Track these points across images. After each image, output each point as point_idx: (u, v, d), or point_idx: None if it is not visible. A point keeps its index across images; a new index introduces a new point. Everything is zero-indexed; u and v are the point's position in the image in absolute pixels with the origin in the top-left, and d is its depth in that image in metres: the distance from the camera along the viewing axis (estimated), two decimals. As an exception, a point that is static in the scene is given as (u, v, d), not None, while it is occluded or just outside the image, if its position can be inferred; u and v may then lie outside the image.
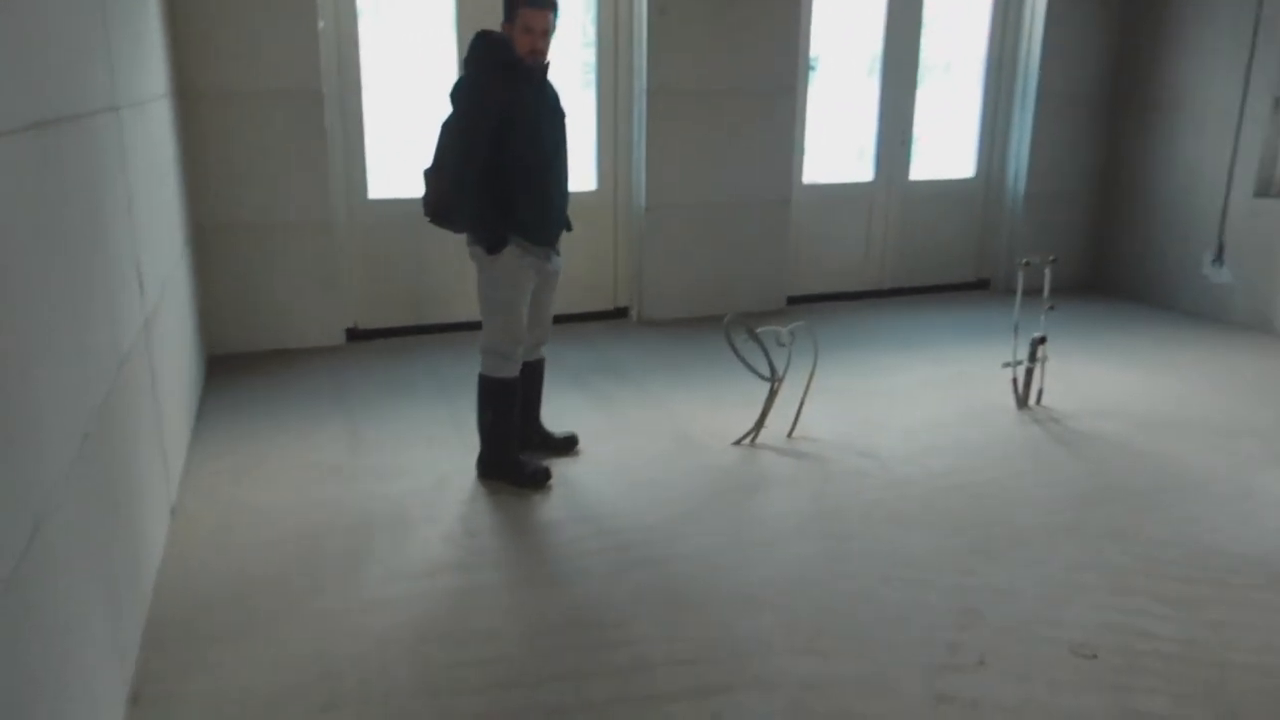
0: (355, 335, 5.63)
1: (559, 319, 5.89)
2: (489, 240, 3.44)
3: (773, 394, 4.13)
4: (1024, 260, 4.53)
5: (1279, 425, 4.40)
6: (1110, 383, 4.98)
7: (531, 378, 3.86)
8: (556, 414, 4.26)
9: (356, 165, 5.47)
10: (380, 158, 5.54)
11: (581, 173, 5.89)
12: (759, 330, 4.13)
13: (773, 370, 4.12)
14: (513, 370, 3.63)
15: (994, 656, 2.68)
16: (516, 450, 3.77)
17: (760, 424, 4.14)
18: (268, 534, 3.33)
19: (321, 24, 5.09)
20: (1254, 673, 2.62)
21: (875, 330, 5.98)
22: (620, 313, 6.19)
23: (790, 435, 4.21)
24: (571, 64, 5.83)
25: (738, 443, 4.13)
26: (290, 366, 5.11)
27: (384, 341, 5.63)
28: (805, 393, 4.27)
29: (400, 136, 5.53)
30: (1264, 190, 5.96)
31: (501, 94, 3.34)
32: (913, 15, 6.46)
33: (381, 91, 5.47)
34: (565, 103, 3.65)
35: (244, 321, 5.26)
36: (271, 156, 5.11)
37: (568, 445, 4.04)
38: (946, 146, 6.91)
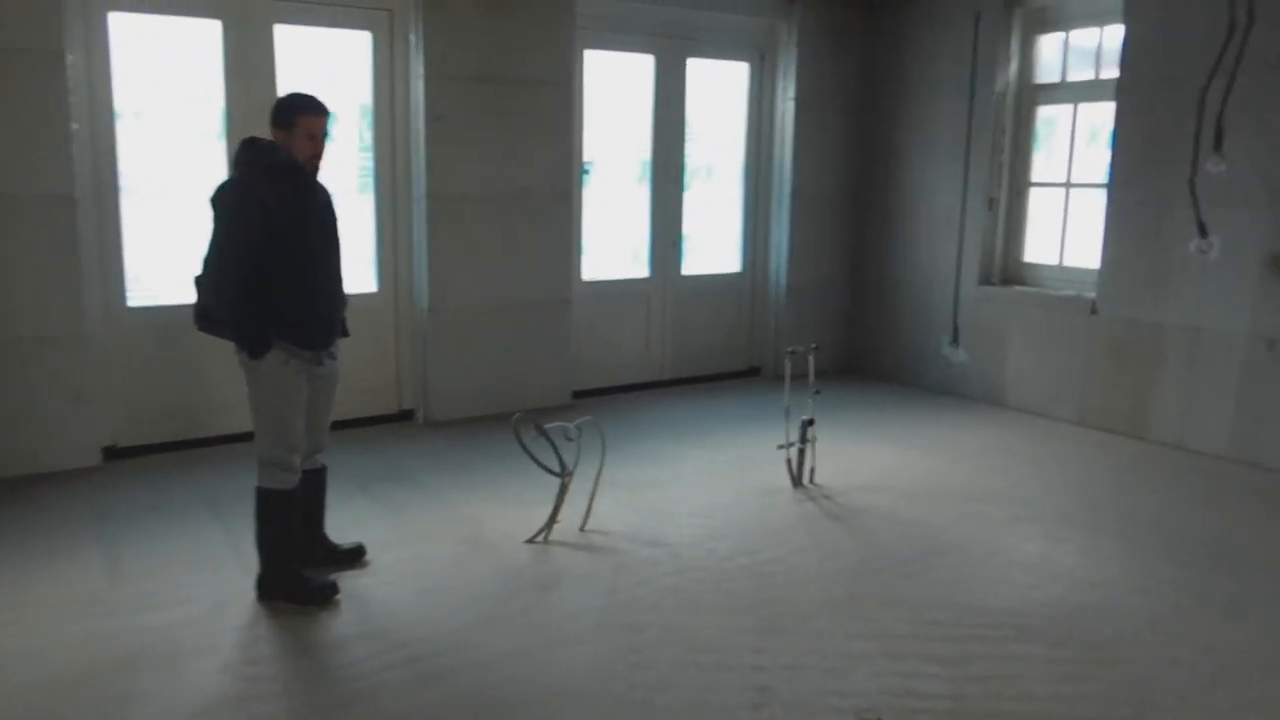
0: (114, 454, 5.21)
1: (341, 424, 5.76)
2: (251, 344, 3.35)
3: (563, 489, 4.18)
4: (790, 349, 4.88)
5: (1015, 488, 4.91)
6: (873, 458, 5.39)
7: (312, 487, 3.73)
8: (341, 525, 4.10)
9: (114, 272, 5.14)
10: (142, 264, 5.24)
11: (361, 275, 5.82)
12: (547, 426, 4.19)
13: (562, 465, 4.18)
14: (291, 481, 3.51)
15: (787, 731, 2.79)
16: (300, 565, 3.60)
17: (552, 520, 4.17)
18: (20, 681, 2.98)
19: (75, 126, 4.81)
20: (1017, 719, 2.87)
21: (658, 421, 6.18)
22: (406, 415, 6.08)
23: (583, 529, 4.26)
24: (348, 167, 5.80)
25: (531, 541, 4.12)
26: (39, 493, 4.64)
27: (148, 459, 5.23)
28: (595, 486, 4.34)
29: (164, 242, 5.27)
30: (986, 278, 6.73)
31: (269, 198, 3.32)
32: (677, 124, 6.90)
33: (143, 196, 5.21)
34: (337, 205, 3.64)
35: (-21, 446, 4.75)
36: (16, 265, 4.72)
37: (354, 557, 3.89)
38: (715, 244, 7.36)
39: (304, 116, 3.37)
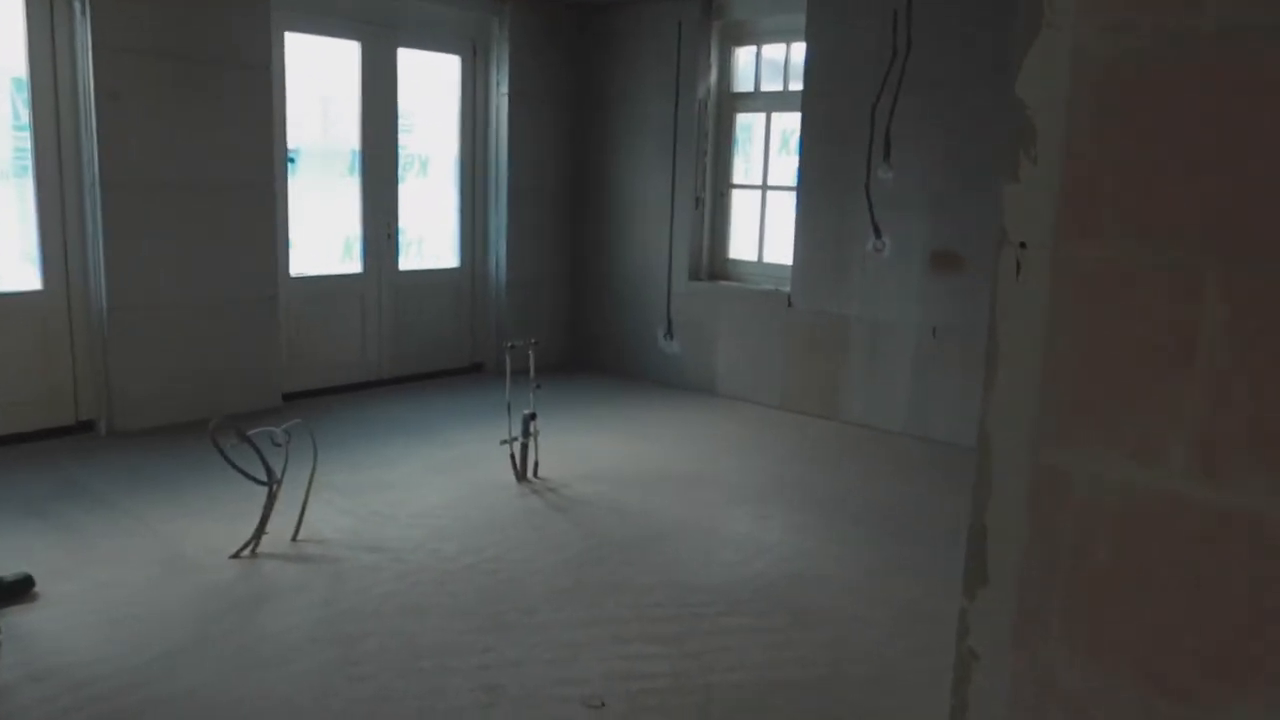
0: None
1: (8, 439, 5.06)
2: None
3: (272, 498, 3.91)
4: (509, 344, 4.86)
5: (727, 472, 5.20)
6: (595, 449, 5.50)
7: None
8: (3, 554, 3.58)
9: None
10: None
11: (17, 270, 5.14)
12: (251, 432, 3.89)
13: (270, 473, 3.90)
14: None
15: (515, 727, 2.77)
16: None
17: (260, 532, 3.88)
18: None
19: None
20: (732, 689, 3.02)
21: (377, 421, 5.95)
22: (86, 426, 5.42)
23: (295, 539, 4.00)
24: (-1, 147, 5.09)
25: (236, 555, 3.82)
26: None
27: None
28: (307, 493, 4.10)
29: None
30: (695, 274, 7.08)
31: None
32: (389, 114, 6.67)
33: None
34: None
35: None
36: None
37: (20, 590, 3.42)
38: (432, 239, 7.20)
39: None
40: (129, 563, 3.75)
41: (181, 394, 5.56)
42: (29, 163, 5.14)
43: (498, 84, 7.15)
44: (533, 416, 4.86)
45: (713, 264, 7.14)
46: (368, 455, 5.21)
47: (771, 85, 6.77)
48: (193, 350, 5.61)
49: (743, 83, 6.93)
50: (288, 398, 6.20)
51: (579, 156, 7.61)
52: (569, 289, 7.80)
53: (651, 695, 2.96)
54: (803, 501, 4.77)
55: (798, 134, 6.42)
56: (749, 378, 6.79)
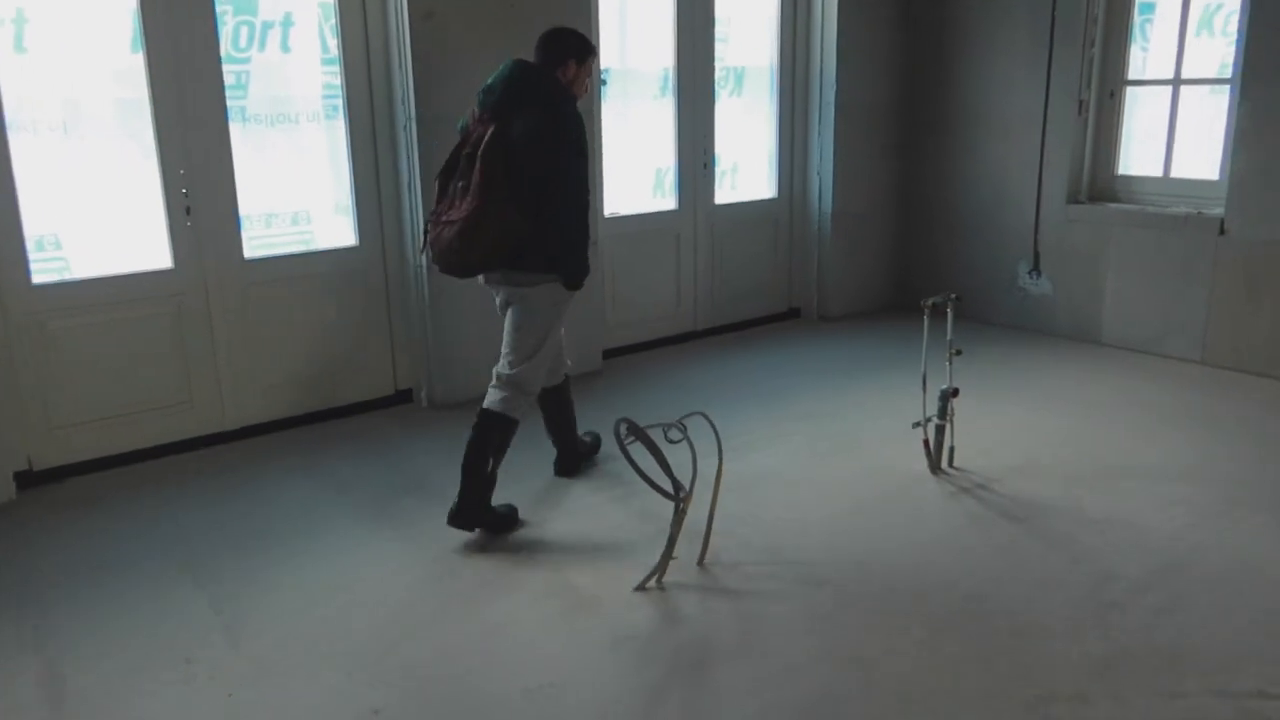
0: (33, 480, 3.92)
1: (329, 414, 4.59)
2: (579, 271, 3.33)
3: (680, 515, 3.08)
4: (929, 301, 3.81)
5: (1198, 459, 3.98)
6: (996, 423, 4.40)
7: (566, 394, 3.84)
8: (358, 566, 2.95)
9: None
10: None
11: (329, 223, 4.57)
12: (646, 427, 3.07)
13: (676, 484, 3.07)
14: (524, 412, 3.44)
15: None
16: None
17: (668, 557, 3.08)
18: None
19: None
20: None
21: (713, 385, 5.07)
22: (403, 396, 4.87)
23: (701, 563, 3.19)
24: (309, 86, 4.47)
25: (641, 587, 3.04)
26: None
27: (81, 483, 3.97)
28: (713, 503, 3.26)
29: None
30: (1074, 196, 5.74)
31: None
32: (704, 24, 5.67)
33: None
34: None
35: None
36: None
37: (594, 448, 4.08)
38: (747, 166, 6.20)
39: (592, 58, 3.44)
40: (511, 596, 3.05)
41: (491, 361, 4.86)
42: (339, 101, 4.50)
43: (824, -24, 5.98)
44: (954, 393, 3.82)
45: (1096, 182, 5.77)
46: (734, 434, 4.26)
47: (1190, -52, 5.25)
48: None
49: (1145, -52, 5.44)
50: (607, 355, 5.45)
51: (916, 61, 6.34)
52: (901, 220, 6.62)
53: None
54: (1339, 509, 3.50)
55: (1234, 9, 4.92)
56: (1152, 324, 5.44)
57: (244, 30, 4.30)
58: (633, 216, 5.62)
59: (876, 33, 6.15)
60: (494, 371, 3.43)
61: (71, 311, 3.93)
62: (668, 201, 5.79)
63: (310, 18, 4.42)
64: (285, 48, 4.42)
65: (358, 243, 4.61)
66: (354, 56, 4.46)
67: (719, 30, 5.77)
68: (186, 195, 4.11)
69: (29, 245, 3.84)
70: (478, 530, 3.37)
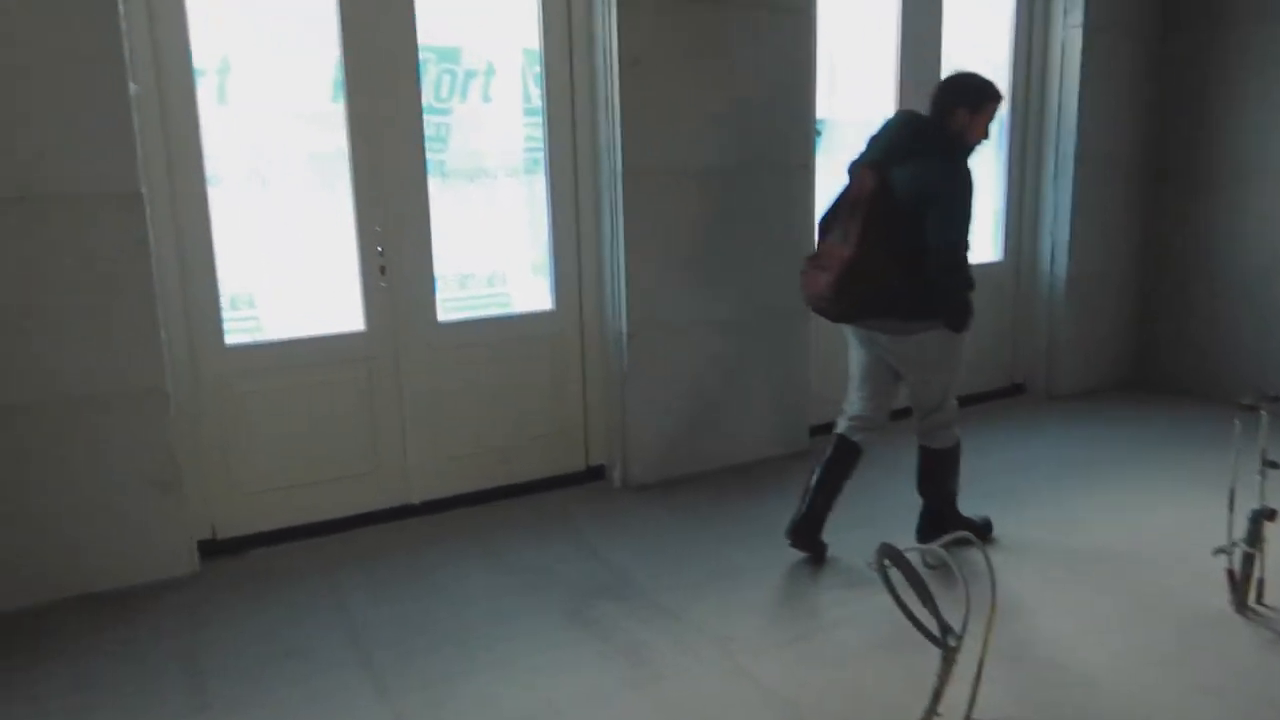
0: (216, 549, 3.72)
1: (513, 490, 4.25)
2: (960, 317, 3.33)
3: (949, 663, 2.50)
4: (1246, 401, 3.11)
5: None
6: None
7: (853, 462, 3.63)
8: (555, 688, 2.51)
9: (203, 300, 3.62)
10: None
11: (527, 285, 4.26)
12: (906, 550, 2.52)
13: (943, 626, 2.50)
14: (958, 434, 3.62)
15: None
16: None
17: (933, 712, 2.50)
18: None
19: (135, 88, 3.28)
20: None
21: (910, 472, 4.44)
22: (595, 473, 4.47)
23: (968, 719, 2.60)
24: (511, 139, 4.20)
25: (899, 751, 2.48)
26: (107, 623, 3.15)
27: (262, 556, 3.74)
28: (984, 649, 2.66)
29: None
30: (1375, 264, 4.84)
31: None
32: (929, 68, 5.12)
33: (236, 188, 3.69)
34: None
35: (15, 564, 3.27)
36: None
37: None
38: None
39: (993, 102, 3.36)
40: (739, 739, 2.54)
41: (690, 438, 4.43)
42: (541, 154, 4.20)
43: (1065, 12, 5.33)
44: (1270, 515, 3.09)
45: (1403, 248, 4.85)
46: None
47: None
48: (709, 381, 4.46)
49: None
50: (814, 432, 4.91)
51: (1166, 108, 5.58)
52: (1146, 287, 5.81)
53: None
54: None
55: None
56: None
57: (446, 79, 4.07)
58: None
59: (1125, 75, 5.44)
60: (914, 428, 3.60)
61: (262, 374, 3.74)
62: (881, 262, 5.22)
63: (514, 66, 4.16)
64: (486, 98, 4.17)
65: (554, 306, 4.28)
66: (558, 107, 4.16)
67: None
68: (382, 254, 3.87)
69: (224, 303, 3.67)
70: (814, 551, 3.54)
